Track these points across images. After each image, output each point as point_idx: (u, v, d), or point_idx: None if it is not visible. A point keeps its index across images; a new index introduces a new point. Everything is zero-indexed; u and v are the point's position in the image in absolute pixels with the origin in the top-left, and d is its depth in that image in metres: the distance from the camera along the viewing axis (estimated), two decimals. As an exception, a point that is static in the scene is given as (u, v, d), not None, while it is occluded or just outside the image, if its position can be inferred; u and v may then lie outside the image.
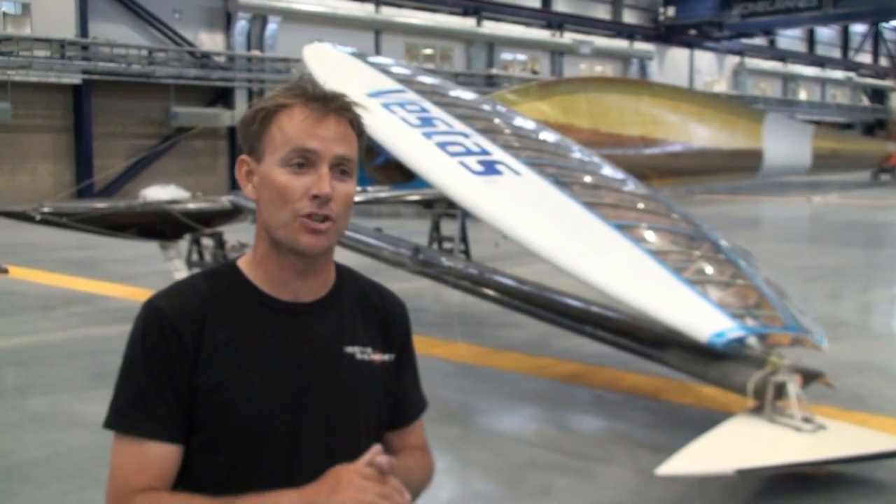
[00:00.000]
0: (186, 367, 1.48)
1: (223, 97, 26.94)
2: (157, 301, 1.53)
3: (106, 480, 1.49)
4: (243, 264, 1.59)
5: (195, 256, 9.17)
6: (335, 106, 1.51)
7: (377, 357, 1.63)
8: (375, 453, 1.40)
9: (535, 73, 36.22)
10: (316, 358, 1.55)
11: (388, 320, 1.68)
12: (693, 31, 42.51)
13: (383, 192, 12.79)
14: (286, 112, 1.50)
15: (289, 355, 1.53)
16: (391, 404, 1.67)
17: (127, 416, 1.48)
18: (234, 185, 24.97)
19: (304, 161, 1.48)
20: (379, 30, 31.10)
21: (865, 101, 55.95)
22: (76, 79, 23.16)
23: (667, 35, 41.87)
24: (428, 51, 33.23)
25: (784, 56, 50.13)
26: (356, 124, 1.55)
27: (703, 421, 4.76)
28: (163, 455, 1.47)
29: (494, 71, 33.94)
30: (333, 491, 1.35)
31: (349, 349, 1.59)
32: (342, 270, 1.67)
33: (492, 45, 34.66)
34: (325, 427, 1.54)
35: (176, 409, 1.48)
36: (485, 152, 6.06)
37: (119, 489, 1.45)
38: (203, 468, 1.49)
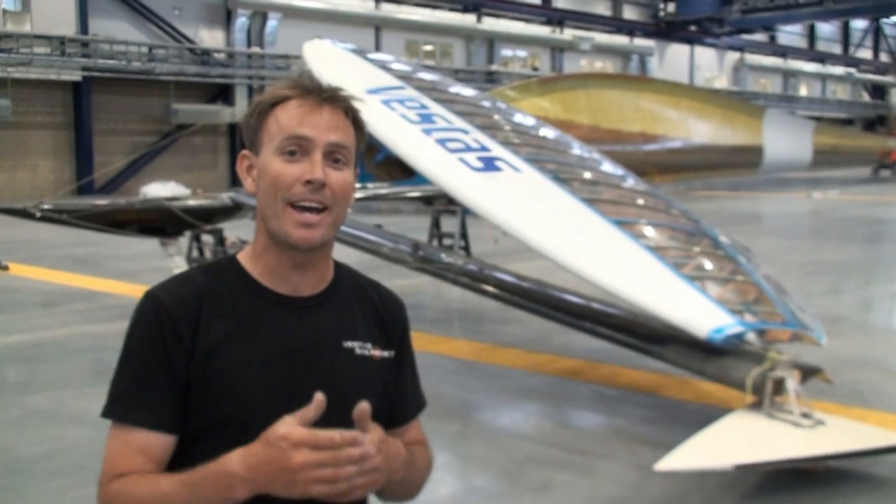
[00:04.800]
0: (183, 357, 1.49)
1: (223, 94, 26.96)
2: (155, 291, 1.54)
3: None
4: (243, 258, 1.61)
5: (195, 253, 9.17)
6: (328, 95, 1.53)
7: (377, 353, 1.63)
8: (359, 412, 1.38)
9: (535, 69, 36.19)
10: (314, 351, 1.56)
11: (387, 318, 1.68)
12: (693, 28, 42.49)
13: (383, 189, 12.80)
14: (282, 104, 1.52)
15: (287, 348, 1.54)
16: (390, 402, 1.67)
17: (119, 405, 1.49)
18: (234, 182, 25.02)
19: (296, 148, 1.49)
20: (379, 26, 31.11)
21: (866, 97, 55.92)
22: (76, 76, 23.18)
23: (667, 31, 41.87)
24: (428, 47, 33.22)
25: (784, 52, 50.07)
26: (353, 116, 1.56)
27: (702, 416, 4.78)
28: (149, 443, 1.47)
29: (494, 67, 33.94)
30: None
31: (349, 344, 1.60)
32: (340, 267, 1.67)
33: (492, 41, 34.64)
34: (322, 421, 1.54)
35: (170, 398, 1.48)
36: (484, 149, 6.06)
37: (104, 474, 1.47)
38: (199, 458, 1.48)
